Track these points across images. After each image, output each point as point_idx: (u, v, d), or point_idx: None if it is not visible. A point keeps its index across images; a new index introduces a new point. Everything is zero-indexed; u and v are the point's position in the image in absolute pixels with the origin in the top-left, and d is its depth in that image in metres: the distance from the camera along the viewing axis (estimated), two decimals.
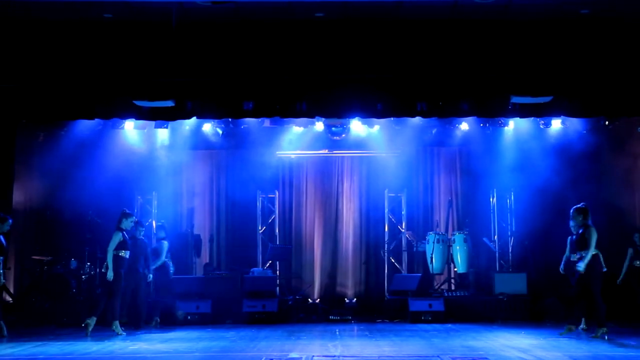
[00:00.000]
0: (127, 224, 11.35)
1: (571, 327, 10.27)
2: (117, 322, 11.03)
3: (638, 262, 12.09)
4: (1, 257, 11.17)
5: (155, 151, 14.92)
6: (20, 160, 13.58)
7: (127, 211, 11.52)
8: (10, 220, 11.48)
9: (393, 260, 14.77)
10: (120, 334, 10.89)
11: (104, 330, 11.11)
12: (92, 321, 10.96)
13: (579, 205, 10.48)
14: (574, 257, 10.37)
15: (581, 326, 10.77)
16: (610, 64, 11.15)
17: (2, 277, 11.33)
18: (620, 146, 14.03)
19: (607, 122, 13.62)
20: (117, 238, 11.11)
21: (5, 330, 10.91)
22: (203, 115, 12.44)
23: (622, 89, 11.45)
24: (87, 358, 8.48)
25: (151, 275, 11.88)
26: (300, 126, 14.73)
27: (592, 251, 10.01)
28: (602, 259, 10.12)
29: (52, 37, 11.21)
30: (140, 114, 11.94)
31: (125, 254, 11.20)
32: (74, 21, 10.99)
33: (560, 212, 12.89)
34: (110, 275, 11.00)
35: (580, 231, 10.28)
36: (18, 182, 13.46)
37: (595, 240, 10.00)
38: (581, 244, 10.17)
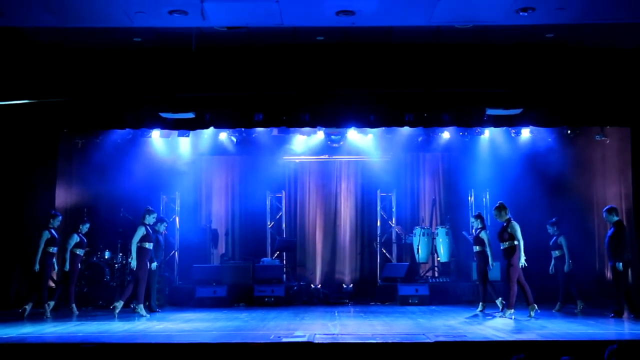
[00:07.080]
0: (150, 219, 11.37)
1: (533, 305, 10.35)
2: (141, 306, 11.06)
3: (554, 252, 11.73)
4: (55, 248, 11.27)
5: (178, 157, 14.94)
6: (62, 164, 13.64)
7: (150, 208, 11.54)
8: (60, 217, 11.59)
9: (384, 251, 14.79)
10: (145, 316, 10.94)
11: (128, 312, 11.22)
12: (119, 304, 11.02)
13: (497, 204, 10.71)
14: (503, 246, 10.45)
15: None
16: (572, 81, 11.14)
17: (55, 265, 11.44)
18: (580, 152, 14.03)
19: (569, 132, 13.61)
20: (140, 232, 11.12)
21: (48, 311, 10.98)
22: (219, 125, 12.43)
23: (582, 103, 11.46)
24: (121, 336, 8.53)
25: (155, 264, 11.76)
26: (304, 135, 14.78)
27: (522, 242, 10.26)
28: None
29: (90, 58, 11.27)
30: (165, 125, 11.96)
31: (149, 245, 11.22)
32: (108, 44, 11.04)
33: (530, 209, 12.96)
34: (133, 264, 11.02)
35: (504, 224, 10.47)
36: (60, 183, 13.51)
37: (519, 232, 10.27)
38: (503, 236, 10.39)
